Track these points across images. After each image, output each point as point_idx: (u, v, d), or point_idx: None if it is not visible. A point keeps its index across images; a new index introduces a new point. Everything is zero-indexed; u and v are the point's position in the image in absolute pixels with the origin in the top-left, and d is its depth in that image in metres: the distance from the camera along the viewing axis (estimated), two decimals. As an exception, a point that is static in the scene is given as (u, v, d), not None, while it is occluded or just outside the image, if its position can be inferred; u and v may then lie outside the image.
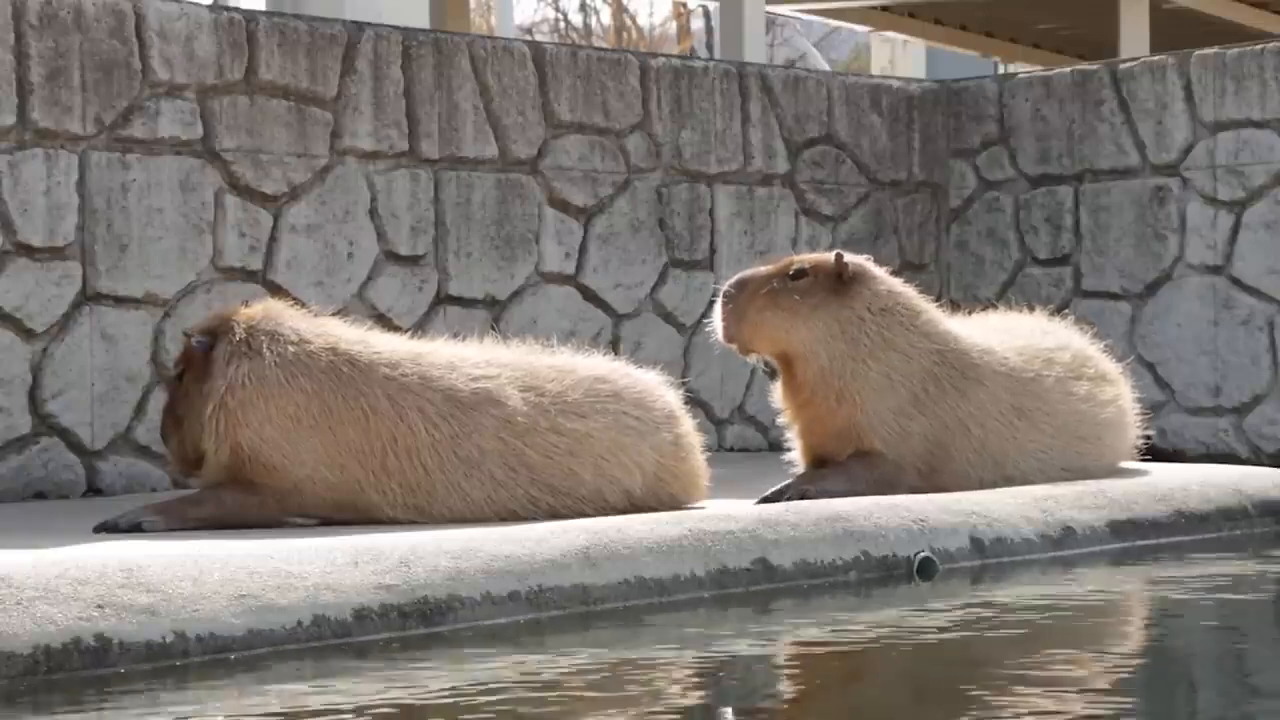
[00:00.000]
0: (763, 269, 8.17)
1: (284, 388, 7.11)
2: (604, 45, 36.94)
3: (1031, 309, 9.29)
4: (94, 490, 8.71)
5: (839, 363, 7.98)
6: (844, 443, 8.04)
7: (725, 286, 8.10)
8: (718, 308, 8.06)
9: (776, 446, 8.86)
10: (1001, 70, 26.27)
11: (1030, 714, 4.78)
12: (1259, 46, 10.99)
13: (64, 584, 5.43)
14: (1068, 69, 11.82)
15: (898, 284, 8.25)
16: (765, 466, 8.78)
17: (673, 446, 7.55)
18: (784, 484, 7.90)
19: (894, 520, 7.26)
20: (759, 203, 11.22)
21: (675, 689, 5.38)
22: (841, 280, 8.03)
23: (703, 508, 7.48)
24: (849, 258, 8.10)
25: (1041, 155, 11.71)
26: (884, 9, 22.17)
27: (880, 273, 8.22)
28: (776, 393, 8.21)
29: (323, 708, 4.97)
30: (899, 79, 12.57)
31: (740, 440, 11.06)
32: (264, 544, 6.16)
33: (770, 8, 21.21)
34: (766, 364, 8.24)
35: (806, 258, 8.18)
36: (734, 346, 8.11)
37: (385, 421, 7.15)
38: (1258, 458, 10.67)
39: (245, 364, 7.14)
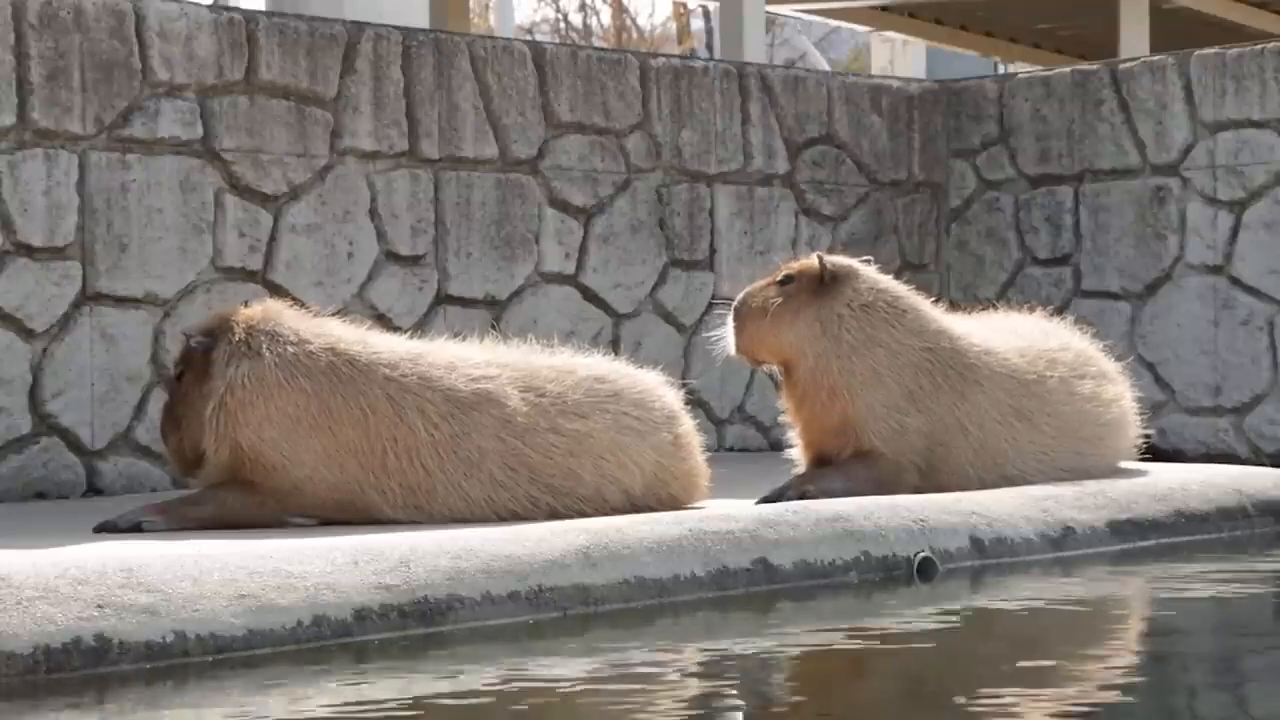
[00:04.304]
0: (761, 281, 8.35)
1: (284, 388, 7.11)
2: (604, 45, 36.94)
3: (1031, 309, 9.28)
4: (94, 490, 8.70)
5: (824, 360, 8.08)
6: (842, 439, 8.08)
7: (734, 302, 8.30)
8: (729, 322, 8.20)
9: (776, 446, 8.87)
10: (1001, 70, 26.28)
11: (1029, 715, 4.78)
12: (1259, 46, 10.98)
13: (64, 584, 5.43)
14: (1068, 69, 11.82)
15: (885, 282, 8.31)
16: (765, 466, 8.78)
17: (673, 446, 7.55)
18: (784, 484, 7.92)
19: (894, 520, 7.26)
20: (759, 203, 11.22)
21: (675, 690, 5.37)
22: (823, 282, 8.13)
23: (703, 508, 7.48)
24: (829, 259, 8.25)
25: (1041, 155, 11.71)
26: (884, 9, 22.16)
27: (867, 272, 8.29)
28: (782, 400, 8.31)
29: (323, 708, 4.97)
30: (899, 79, 12.56)
31: (740, 440, 11.06)
32: (264, 544, 6.15)
33: (770, 8, 21.20)
34: (771, 374, 8.39)
35: (794, 264, 8.33)
36: (744, 359, 8.37)
37: (385, 421, 7.15)
38: (1258, 458, 10.67)
39: (245, 364, 7.14)
